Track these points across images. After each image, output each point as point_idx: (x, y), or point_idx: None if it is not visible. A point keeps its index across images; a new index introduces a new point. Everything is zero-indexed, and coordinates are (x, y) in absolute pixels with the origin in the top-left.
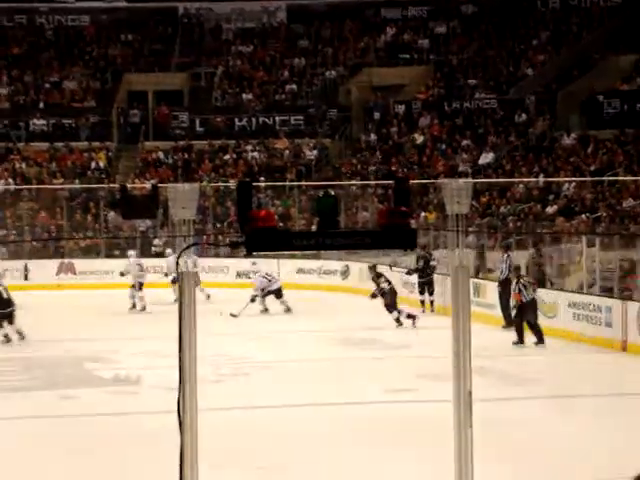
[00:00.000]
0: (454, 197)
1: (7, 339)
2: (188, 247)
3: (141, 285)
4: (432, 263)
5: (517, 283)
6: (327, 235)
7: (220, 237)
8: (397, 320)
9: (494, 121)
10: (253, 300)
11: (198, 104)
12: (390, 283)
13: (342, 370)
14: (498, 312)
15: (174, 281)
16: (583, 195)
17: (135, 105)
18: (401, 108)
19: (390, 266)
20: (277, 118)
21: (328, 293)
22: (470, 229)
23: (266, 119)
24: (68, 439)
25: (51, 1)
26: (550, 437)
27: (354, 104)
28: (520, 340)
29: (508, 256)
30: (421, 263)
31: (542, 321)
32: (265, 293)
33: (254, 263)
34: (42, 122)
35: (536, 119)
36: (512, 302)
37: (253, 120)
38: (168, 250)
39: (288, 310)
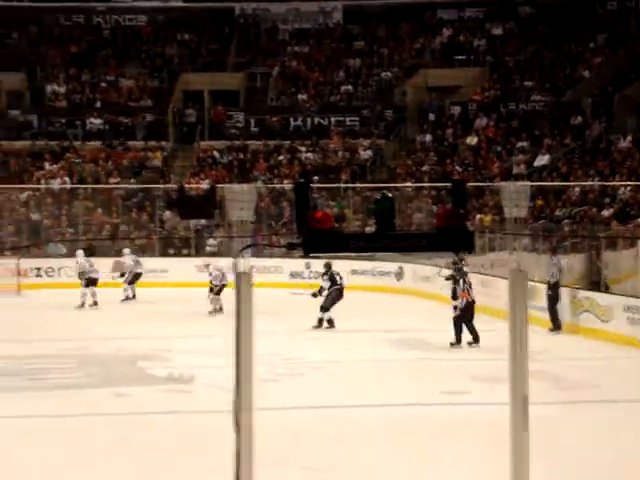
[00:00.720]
0: (512, 200)
1: None
2: (245, 248)
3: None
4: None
5: (464, 282)
6: (384, 237)
7: (275, 237)
8: (319, 322)
9: (550, 123)
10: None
11: (253, 104)
12: (339, 284)
13: (396, 371)
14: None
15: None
16: (639, 199)
17: (191, 105)
18: (456, 109)
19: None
20: (332, 118)
21: (382, 294)
22: (525, 232)
23: (321, 119)
24: (121, 437)
25: (108, 0)
26: (604, 442)
27: (409, 105)
28: (458, 340)
29: (557, 259)
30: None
31: (596, 325)
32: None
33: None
34: (98, 121)
35: (592, 122)
36: (459, 302)
37: (308, 120)
38: (125, 249)
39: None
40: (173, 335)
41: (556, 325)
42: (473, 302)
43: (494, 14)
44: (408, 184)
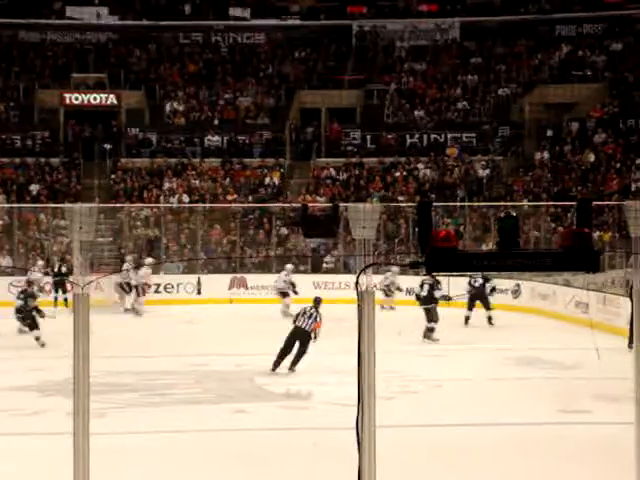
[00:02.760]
0: (638, 219)
1: None
2: (368, 266)
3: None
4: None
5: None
6: (508, 256)
7: (392, 255)
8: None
9: None
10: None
11: (370, 121)
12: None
13: (514, 389)
14: None
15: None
16: None
17: (308, 122)
18: (574, 126)
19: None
20: (449, 135)
21: (499, 312)
22: None
23: (437, 136)
24: (239, 454)
25: (227, 19)
26: None
27: (527, 121)
28: None
29: None
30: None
31: None
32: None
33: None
34: (216, 138)
35: None
36: None
37: (424, 137)
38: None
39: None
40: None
41: None
42: None
43: (613, 30)
44: (526, 202)
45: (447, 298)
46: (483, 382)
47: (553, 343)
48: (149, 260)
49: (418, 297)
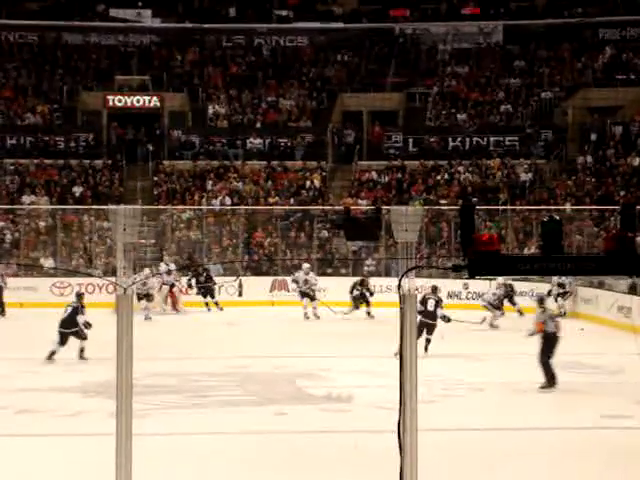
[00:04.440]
0: None
1: None
2: (411, 270)
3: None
4: None
5: (543, 312)
6: (552, 260)
7: (434, 258)
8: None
9: None
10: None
11: (412, 124)
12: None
13: (557, 394)
14: None
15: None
16: None
17: (349, 125)
18: (618, 130)
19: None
20: (491, 139)
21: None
22: None
23: (480, 139)
24: (280, 456)
25: (270, 22)
26: None
27: (570, 125)
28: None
29: None
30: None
31: None
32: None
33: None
34: (259, 141)
35: None
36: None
37: (467, 140)
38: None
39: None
40: (332, 354)
41: None
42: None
43: None
44: (568, 205)
45: (447, 319)
46: (527, 386)
47: (596, 348)
48: (171, 266)
49: (422, 312)
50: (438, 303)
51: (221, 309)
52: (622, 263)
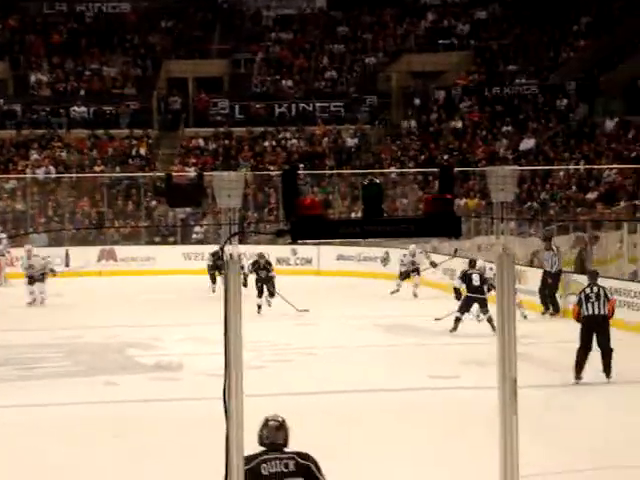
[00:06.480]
0: (499, 185)
1: None
2: (233, 235)
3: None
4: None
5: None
6: (372, 223)
7: (262, 224)
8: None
9: (535, 107)
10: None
11: (237, 91)
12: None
13: (385, 356)
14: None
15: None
16: (624, 181)
17: (175, 92)
18: (441, 94)
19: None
20: (317, 105)
21: (368, 279)
22: (512, 216)
23: (305, 106)
24: (109, 426)
25: None
26: (587, 422)
27: (394, 90)
28: None
29: (556, 247)
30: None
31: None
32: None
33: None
34: (83, 109)
35: (577, 105)
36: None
37: (292, 107)
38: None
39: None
40: (162, 323)
41: (556, 309)
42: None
43: None
44: (393, 169)
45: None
46: (354, 350)
47: (421, 310)
48: (2, 235)
49: (469, 288)
50: (482, 276)
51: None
52: (441, 225)
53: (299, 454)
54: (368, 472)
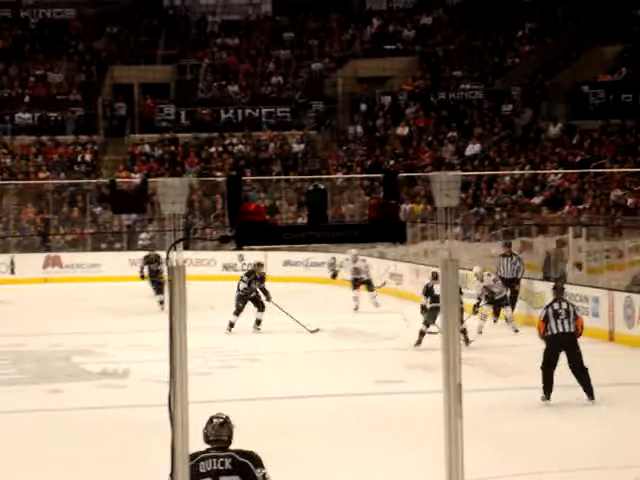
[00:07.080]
0: (443, 190)
1: None
2: (178, 242)
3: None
4: None
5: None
6: (317, 228)
7: (208, 230)
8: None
9: (480, 112)
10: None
11: (183, 96)
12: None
13: (331, 362)
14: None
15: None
16: (569, 186)
17: (121, 98)
18: (387, 99)
19: None
20: (263, 110)
21: (315, 285)
22: (457, 221)
23: (252, 111)
24: (56, 433)
25: None
26: (537, 427)
27: (340, 96)
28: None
29: (517, 255)
30: None
31: (531, 312)
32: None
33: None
34: (27, 115)
35: (522, 110)
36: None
37: (239, 112)
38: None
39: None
40: (108, 330)
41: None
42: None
43: (423, 4)
44: (339, 175)
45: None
46: (301, 355)
47: (368, 315)
48: None
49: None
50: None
51: None
52: (385, 230)
53: (239, 452)
54: (310, 478)
